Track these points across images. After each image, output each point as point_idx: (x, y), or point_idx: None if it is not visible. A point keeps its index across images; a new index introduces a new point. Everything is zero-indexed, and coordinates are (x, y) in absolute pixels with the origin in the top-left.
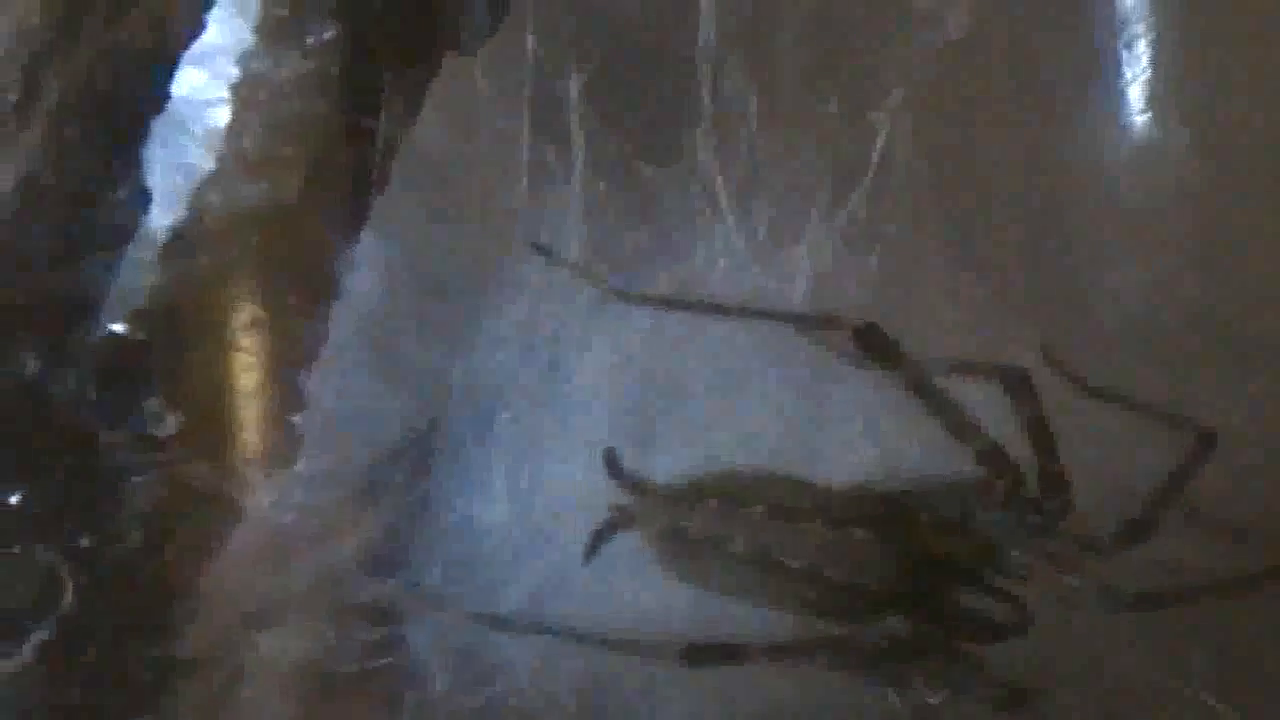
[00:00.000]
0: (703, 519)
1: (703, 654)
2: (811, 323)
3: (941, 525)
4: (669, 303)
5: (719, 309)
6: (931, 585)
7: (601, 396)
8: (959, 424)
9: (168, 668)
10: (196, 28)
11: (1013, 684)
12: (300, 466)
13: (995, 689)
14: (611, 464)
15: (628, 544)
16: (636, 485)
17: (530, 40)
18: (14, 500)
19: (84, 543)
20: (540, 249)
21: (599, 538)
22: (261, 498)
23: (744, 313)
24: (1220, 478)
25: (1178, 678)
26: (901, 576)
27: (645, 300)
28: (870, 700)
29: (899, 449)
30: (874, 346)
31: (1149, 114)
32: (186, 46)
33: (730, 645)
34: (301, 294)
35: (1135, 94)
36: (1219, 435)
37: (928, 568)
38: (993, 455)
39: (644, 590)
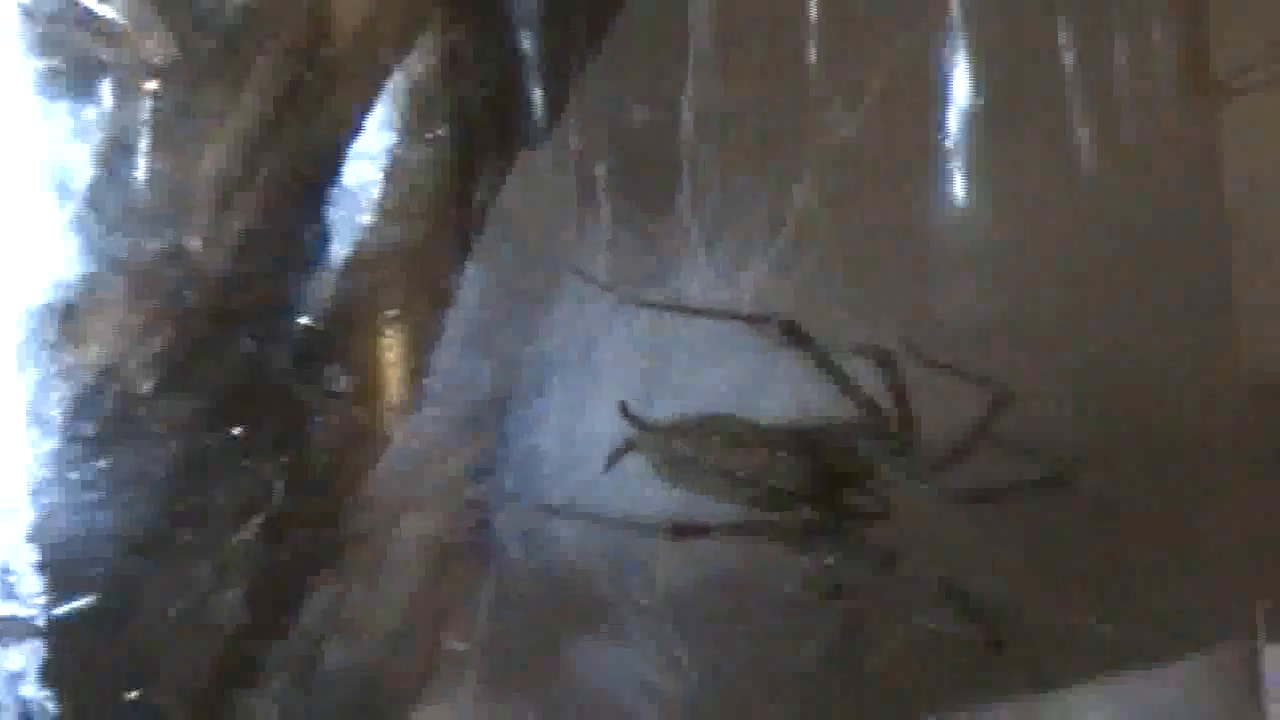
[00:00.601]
0: (685, 445)
1: (683, 530)
2: (755, 320)
3: (838, 451)
4: (664, 306)
5: (696, 311)
6: (830, 488)
7: (620, 367)
8: (848, 386)
9: (343, 541)
10: (359, 127)
11: (884, 552)
12: (427, 411)
13: (872, 554)
14: (624, 411)
15: (638, 464)
16: (641, 424)
17: (573, 139)
18: (236, 431)
19: (286, 461)
20: (579, 272)
21: (615, 456)
22: (403, 430)
23: (711, 313)
24: (1017, 421)
25: (997, 544)
26: (813, 483)
27: (648, 304)
28: (791, 562)
29: (813, 402)
30: (794, 336)
31: (965, 184)
32: (353, 140)
33: (701, 525)
34: (426, 301)
35: (957, 172)
36: (1014, 394)
37: (829, 477)
38: (869, 405)
39: (647, 492)
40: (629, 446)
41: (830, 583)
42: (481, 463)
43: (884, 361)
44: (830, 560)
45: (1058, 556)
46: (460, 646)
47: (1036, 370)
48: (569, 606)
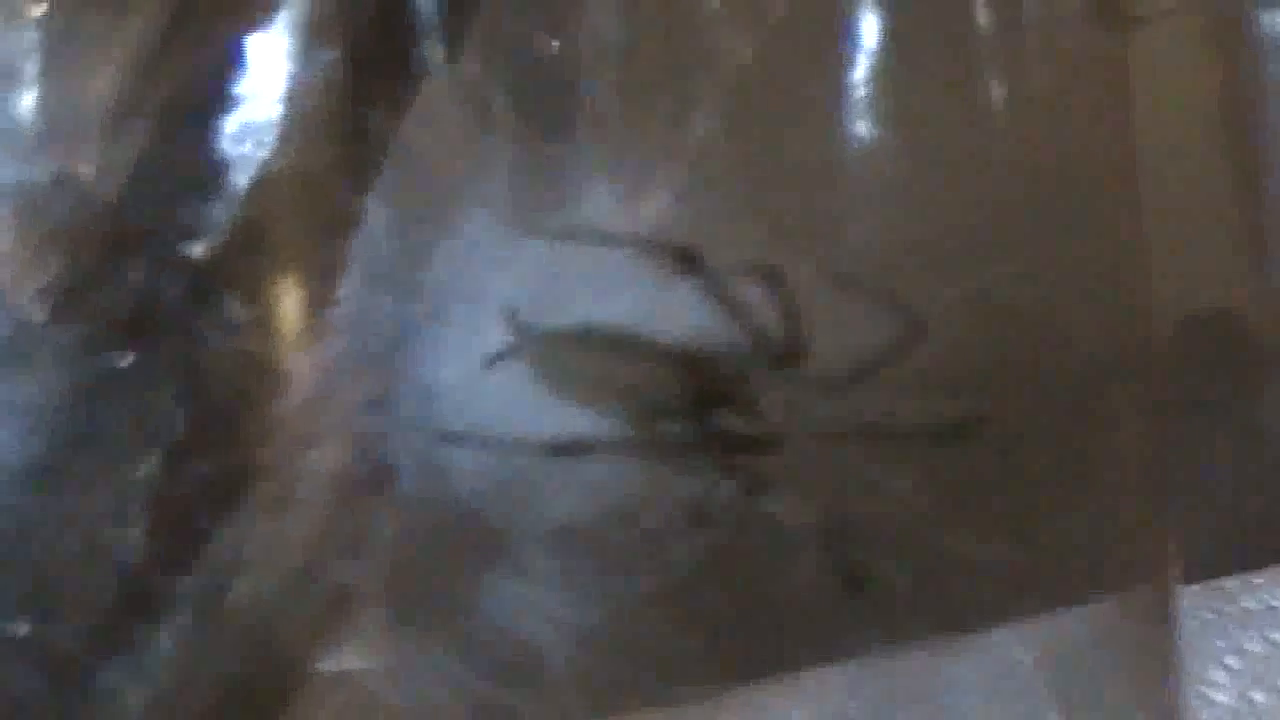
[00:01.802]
0: (567, 354)
1: (565, 449)
2: (653, 247)
3: (717, 371)
4: (563, 235)
5: (594, 238)
6: (705, 406)
7: (519, 296)
8: (740, 312)
9: (248, 473)
10: (249, 52)
11: (754, 478)
12: (329, 343)
13: (743, 481)
14: (512, 317)
15: (534, 389)
16: (527, 330)
17: (470, 67)
18: (129, 361)
19: (185, 393)
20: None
21: (496, 357)
22: (305, 362)
23: (610, 240)
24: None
25: (897, 477)
26: (688, 399)
27: (546, 233)
28: (665, 481)
29: (713, 330)
30: (690, 263)
31: (870, 116)
32: (244, 65)
33: (578, 444)
34: (326, 231)
35: (861, 107)
36: (929, 327)
37: (704, 395)
38: (759, 332)
39: (547, 420)
40: (512, 350)
41: (692, 508)
42: (382, 394)
43: (771, 279)
44: (706, 482)
45: (961, 491)
46: (360, 580)
47: (941, 303)
48: (469, 539)
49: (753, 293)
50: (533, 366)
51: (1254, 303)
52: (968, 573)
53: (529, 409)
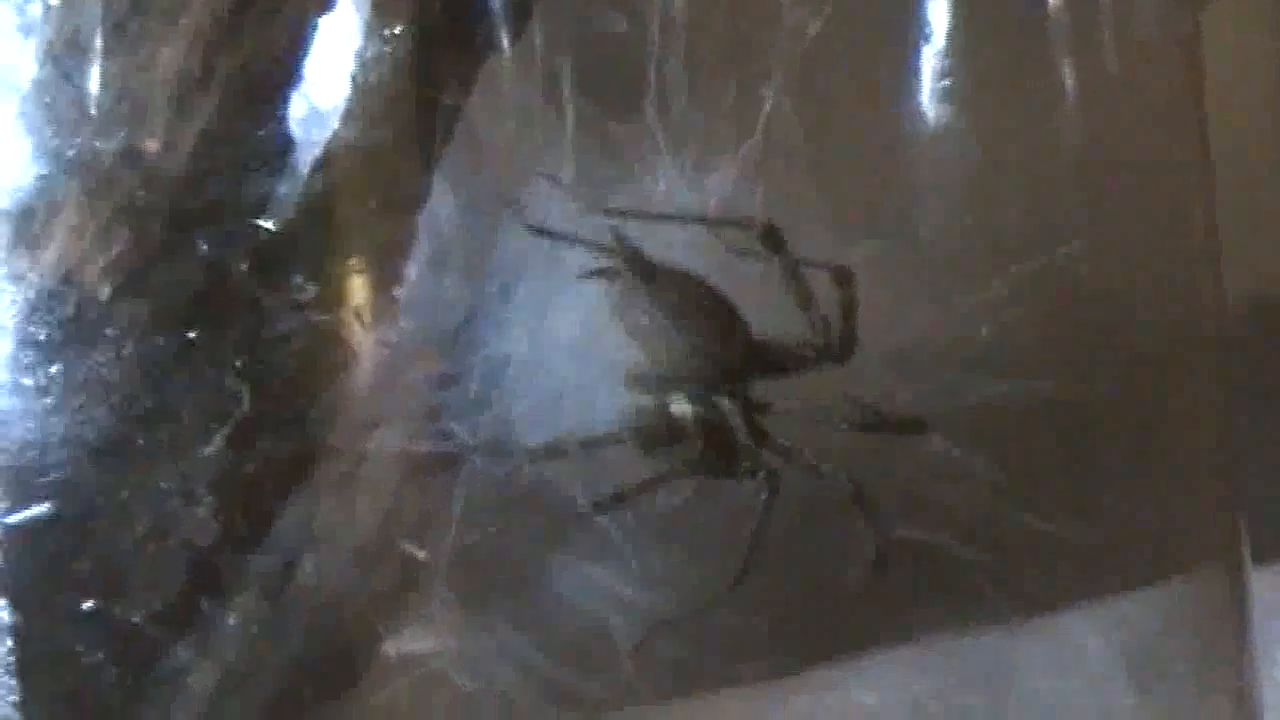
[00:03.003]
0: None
1: (602, 505)
2: (730, 223)
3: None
4: (630, 213)
5: (663, 216)
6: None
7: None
8: (807, 301)
9: (315, 452)
10: (317, 27)
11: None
12: (398, 321)
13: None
14: (617, 238)
15: (604, 368)
16: (634, 254)
17: (537, 43)
18: (194, 336)
19: (252, 369)
20: (548, 177)
21: (594, 273)
22: (371, 340)
23: (682, 219)
24: (992, 332)
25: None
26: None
27: (613, 211)
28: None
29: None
30: (772, 240)
31: (940, 96)
32: (311, 40)
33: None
34: (393, 208)
35: (930, 85)
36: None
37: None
38: (824, 323)
39: (614, 399)
40: (610, 271)
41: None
42: (449, 373)
43: (842, 279)
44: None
45: (1032, 472)
46: (427, 559)
47: (1011, 283)
48: (536, 519)
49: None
50: (622, 295)
51: None
52: (1038, 553)
53: (591, 390)
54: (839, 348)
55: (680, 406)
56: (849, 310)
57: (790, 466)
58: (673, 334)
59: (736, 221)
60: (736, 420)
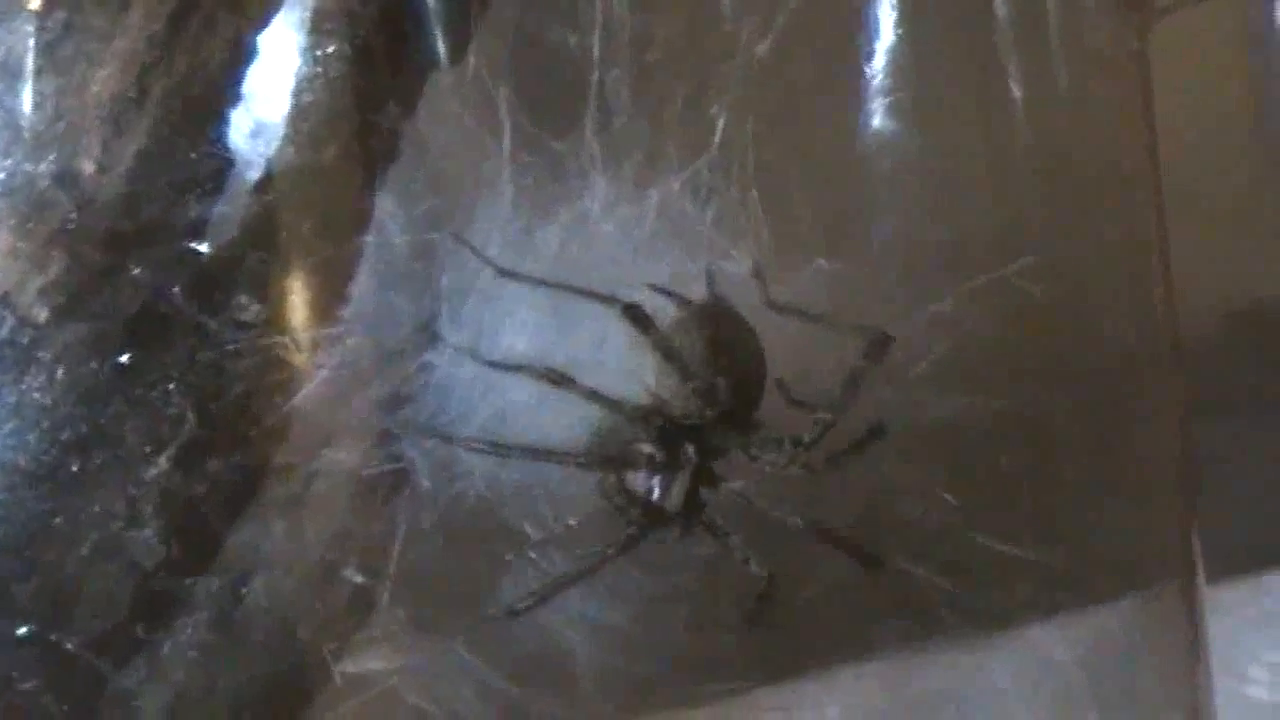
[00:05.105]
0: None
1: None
2: (599, 299)
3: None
4: (531, 280)
5: (550, 284)
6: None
7: (533, 293)
8: (688, 374)
9: (262, 473)
10: (254, 47)
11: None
12: (345, 341)
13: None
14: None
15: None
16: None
17: (474, 60)
18: (132, 359)
19: (196, 392)
20: (461, 240)
21: (662, 290)
22: (318, 361)
23: (565, 287)
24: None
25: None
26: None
27: (515, 275)
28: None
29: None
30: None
31: (891, 112)
32: (249, 60)
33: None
34: (338, 228)
35: (880, 99)
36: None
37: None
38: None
39: (561, 420)
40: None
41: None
42: (397, 393)
43: (875, 351)
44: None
45: (990, 489)
46: (380, 581)
47: (965, 298)
48: (488, 537)
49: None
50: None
51: None
52: (998, 570)
53: (539, 410)
54: (817, 427)
55: (644, 448)
56: (854, 380)
57: (718, 542)
58: (681, 369)
59: (602, 296)
60: (686, 477)
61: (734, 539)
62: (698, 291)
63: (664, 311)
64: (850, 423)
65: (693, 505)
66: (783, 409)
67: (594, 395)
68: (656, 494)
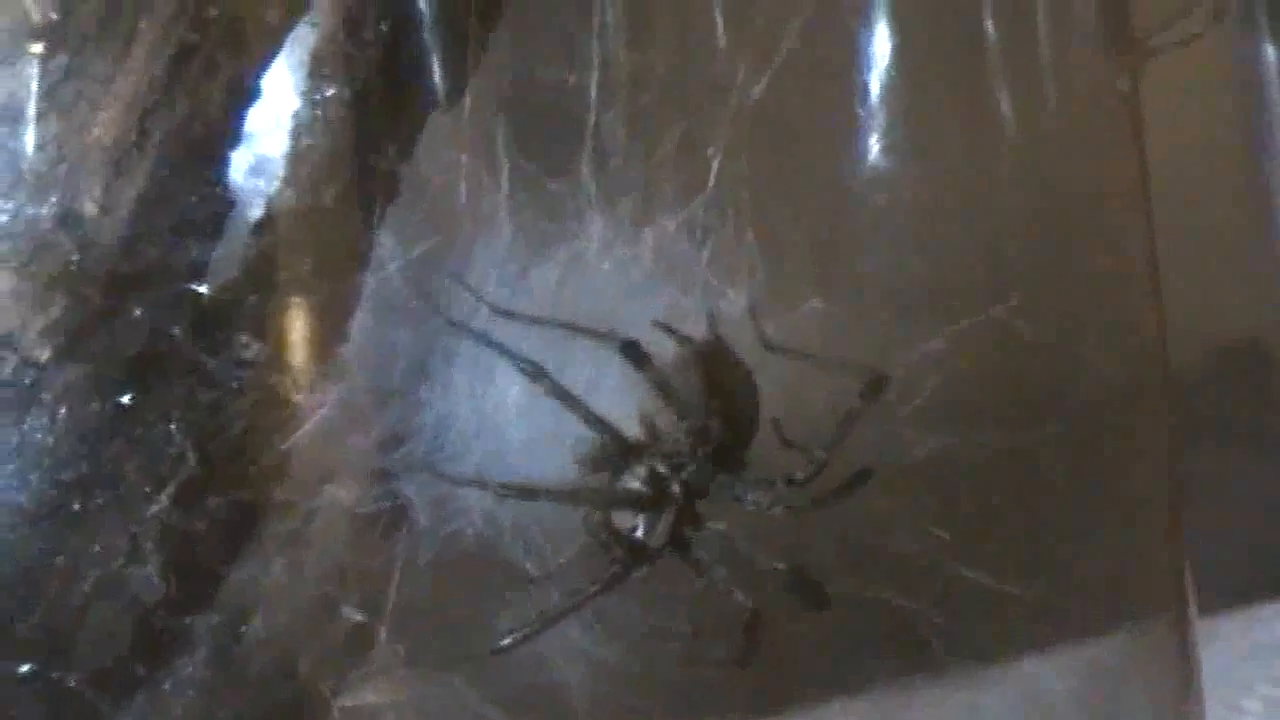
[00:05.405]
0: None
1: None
2: (596, 336)
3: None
4: (527, 319)
5: (544, 321)
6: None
7: (528, 332)
8: (685, 411)
9: (261, 511)
10: (255, 89)
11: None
12: (344, 379)
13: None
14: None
15: (545, 428)
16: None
17: (471, 99)
18: (133, 399)
19: (197, 430)
20: (463, 283)
21: (668, 330)
22: (317, 399)
23: (556, 323)
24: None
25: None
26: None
27: (510, 314)
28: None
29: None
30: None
31: (883, 147)
32: (250, 102)
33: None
34: (337, 267)
35: (873, 139)
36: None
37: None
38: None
39: (555, 459)
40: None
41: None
42: (395, 431)
43: (872, 391)
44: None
45: (978, 523)
46: (378, 617)
47: (955, 336)
48: (484, 573)
49: None
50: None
51: (1276, 329)
52: (989, 604)
53: (535, 450)
54: (811, 467)
55: (632, 484)
56: (850, 419)
57: (701, 577)
58: (677, 408)
59: (599, 334)
60: (671, 515)
61: (718, 570)
62: (696, 330)
63: (663, 349)
64: (837, 461)
65: (677, 543)
66: (773, 447)
67: (589, 416)
68: (641, 531)
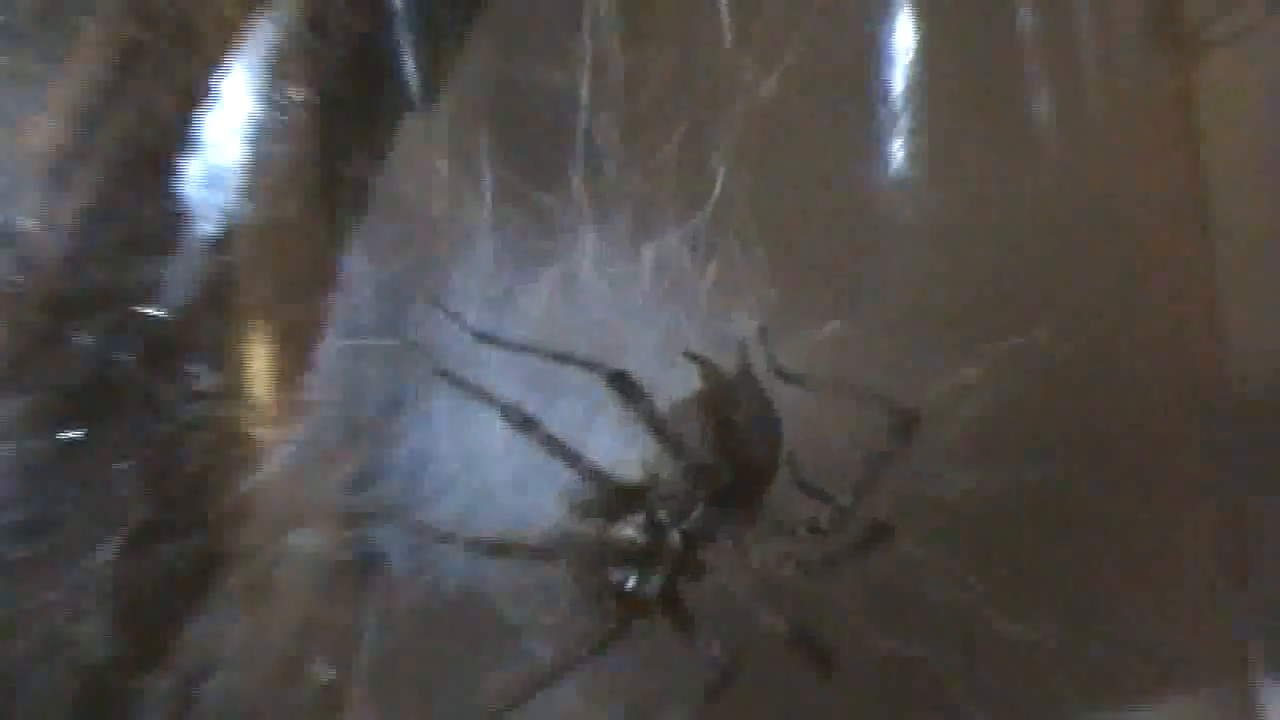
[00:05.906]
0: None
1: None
2: (584, 366)
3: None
4: (514, 346)
5: (529, 349)
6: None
7: (510, 364)
8: (677, 448)
9: (219, 559)
10: (211, 93)
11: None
12: (310, 413)
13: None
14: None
15: (530, 467)
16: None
17: (446, 103)
18: (77, 435)
19: (146, 469)
20: (441, 306)
21: (692, 357)
22: (281, 435)
23: (543, 352)
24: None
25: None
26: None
27: (494, 340)
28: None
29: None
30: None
31: (907, 153)
32: (205, 108)
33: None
34: (301, 289)
35: (895, 144)
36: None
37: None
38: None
39: (544, 502)
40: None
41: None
42: (367, 470)
43: (901, 427)
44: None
45: (1012, 572)
46: (348, 677)
47: (989, 362)
48: (463, 628)
49: None
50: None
51: None
52: (1023, 663)
53: (522, 491)
54: (842, 511)
55: (627, 531)
56: (878, 464)
57: (685, 639)
58: (673, 446)
59: (587, 364)
60: (666, 567)
61: (699, 635)
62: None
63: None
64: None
65: (666, 599)
66: (794, 491)
67: (584, 469)
68: (632, 584)
